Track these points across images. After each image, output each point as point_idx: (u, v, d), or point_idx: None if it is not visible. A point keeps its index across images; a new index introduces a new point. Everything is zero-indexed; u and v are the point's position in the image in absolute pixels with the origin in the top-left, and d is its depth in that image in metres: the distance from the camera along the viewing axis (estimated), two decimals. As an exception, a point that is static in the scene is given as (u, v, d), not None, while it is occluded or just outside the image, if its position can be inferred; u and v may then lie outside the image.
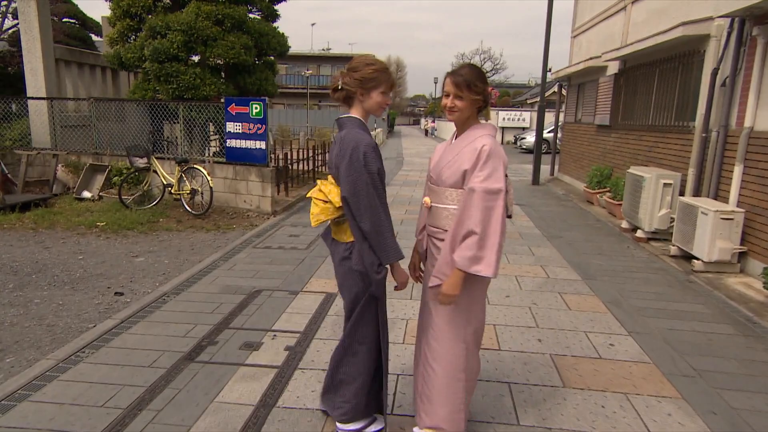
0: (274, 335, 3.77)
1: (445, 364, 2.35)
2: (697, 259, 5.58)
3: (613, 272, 5.50)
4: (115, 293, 4.60)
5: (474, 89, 2.23)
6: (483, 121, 2.38)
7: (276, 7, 10.46)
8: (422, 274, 2.61)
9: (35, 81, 9.40)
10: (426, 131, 45.41)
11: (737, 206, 5.57)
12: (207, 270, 5.25)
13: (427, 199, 2.38)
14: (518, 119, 31.92)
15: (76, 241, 6.31)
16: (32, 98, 9.32)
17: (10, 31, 13.66)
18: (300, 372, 3.23)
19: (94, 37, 14.41)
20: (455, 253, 2.16)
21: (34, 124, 9.51)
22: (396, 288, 2.39)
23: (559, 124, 14.30)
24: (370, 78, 2.27)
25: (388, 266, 2.30)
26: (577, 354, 3.56)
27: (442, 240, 2.30)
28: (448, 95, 2.30)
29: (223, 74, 9.97)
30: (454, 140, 2.40)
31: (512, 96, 49.24)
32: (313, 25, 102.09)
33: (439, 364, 2.36)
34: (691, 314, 4.35)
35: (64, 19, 13.95)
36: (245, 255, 5.84)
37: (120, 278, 5.04)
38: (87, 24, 14.27)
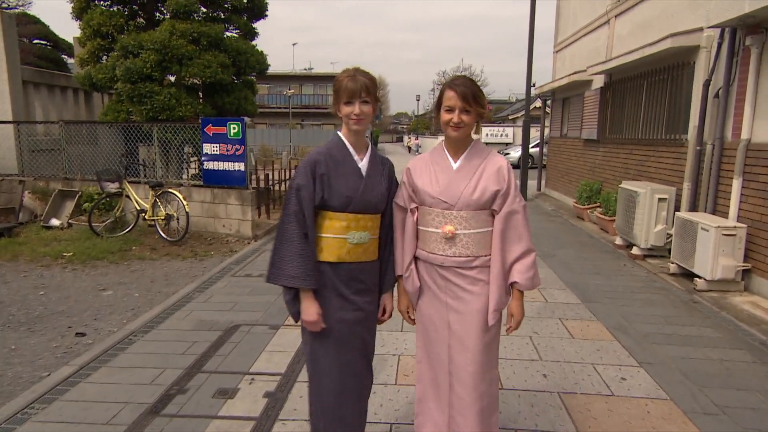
0: (252, 379, 3.39)
1: (489, 400, 2.17)
2: (699, 277, 5.33)
3: (614, 293, 5.22)
4: (77, 334, 4.18)
5: (480, 102, 2.04)
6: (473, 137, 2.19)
7: (254, 25, 10.20)
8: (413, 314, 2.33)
9: (1, 104, 8.95)
10: (409, 148, 45.28)
11: (738, 221, 5.36)
12: (181, 303, 4.85)
13: (451, 227, 2.08)
14: (501, 135, 32.00)
15: (39, 273, 5.85)
16: (-2, 122, 8.87)
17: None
18: (281, 424, 2.86)
19: (68, 59, 14.00)
20: (516, 276, 2.09)
21: (0, 149, 9.03)
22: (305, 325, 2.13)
23: (545, 139, 14.18)
24: (335, 90, 2.07)
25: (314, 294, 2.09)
26: (587, 391, 3.24)
27: (473, 268, 2.11)
28: (451, 110, 2.05)
29: (201, 94, 9.64)
30: (453, 160, 2.15)
31: (493, 112, 49.55)
32: (294, 44, 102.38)
33: (483, 400, 2.14)
34: (702, 339, 4.07)
35: (35, 41, 13.51)
36: (223, 285, 5.45)
37: (84, 316, 4.61)
38: (59, 45, 13.82)
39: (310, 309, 2.06)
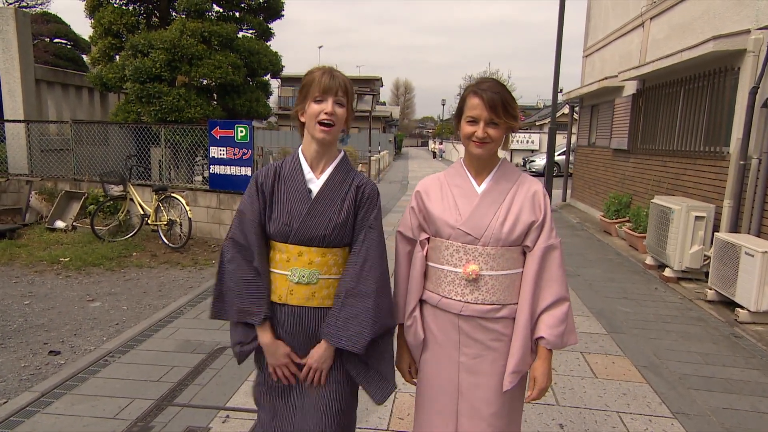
0: (227, 416, 3.00)
1: None
2: (742, 307, 4.76)
3: (644, 323, 4.70)
4: (50, 352, 3.86)
5: (511, 112, 1.62)
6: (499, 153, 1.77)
7: (270, 26, 9.92)
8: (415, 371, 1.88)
9: (13, 103, 8.83)
10: (434, 153, 44.61)
11: (788, 246, 4.77)
12: (169, 319, 4.51)
13: (475, 267, 1.65)
14: (527, 141, 31.25)
15: (30, 280, 5.61)
16: (8, 121, 8.75)
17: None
18: (247, 479, 2.46)
19: (87, 58, 14.00)
20: (543, 330, 1.65)
21: (11, 148, 8.91)
22: None
23: (571, 147, 13.58)
24: (302, 86, 1.64)
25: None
26: (611, 449, 2.76)
27: (499, 320, 1.69)
28: (475, 121, 1.63)
29: (215, 95, 9.40)
30: (476, 182, 1.72)
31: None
32: (320, 47, 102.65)
33: None
34: (749, 386, 3.53)
35: (55, 40, 13.53)
36: (218, 299, 5.09)
37: (63, 330, 4.30)
38: (79, 44, 13.82)
39: (273, 350, 1.68)
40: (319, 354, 1.67)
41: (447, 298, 1.70)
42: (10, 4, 12.18)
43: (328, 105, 1.60)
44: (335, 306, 1.66)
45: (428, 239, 1.77)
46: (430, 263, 1.76)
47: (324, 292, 1.68)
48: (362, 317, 1.63)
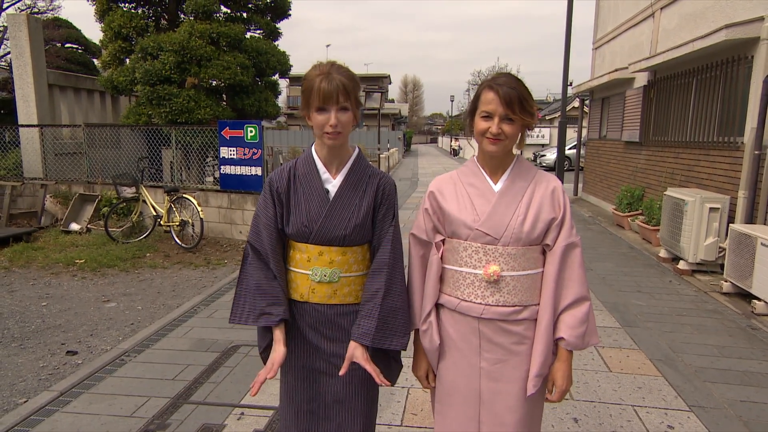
0: (242, 413, 3.03)
1: None
2: (758, 299, 4.70)
3: (659, 316, 4.65)
4: (68, 352, 3.92)
5: (527, 108, 1.58)
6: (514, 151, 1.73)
7: (278, 25, 9.95)
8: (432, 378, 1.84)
9: (26, 108, 8.97)
10: (454, 151, 42.86)
11: (805, 236, 4.69)
12: (183, 318, 4.56)
13: (496, 268, 1.60)
14: (537, 136, 31.01)
15: (47, 282, 5.69)
16: (23, 125, 8.88)
17: (8, 56, 13.48)
18: (263, 475, 2.48)
19: (98, 62, 14.17)
20: (563, 330, 1.61)
21: (26, 152, 9.05)
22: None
23: (582, 140, 13.47)
24: (303, 91, 1.63)
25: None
26: (627, 443, 2.74)
27: (521, 322, 1.64)
28: (489, 117, 1.59)
29: (224, 96, 9.46)
30: (492, 181, 1.68)
31: (531, 113, 48.12)
32: (328, 46, 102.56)
33: None
34: (767, 378, 3.48)
35: (66, 45, 13.70)
36: (230, 297, 5.12)
37: (80, 331, 4.36)
38: (90, 48, 14.00)
39: (274, 351, 1.65)
40: (359, 353, 1.64)
41: (467, 301, 1.65)
42: (23, 10, 12.35)
43: (331, 117, 1.57)
44: (370, 309, 1.64)
45: (443, 241, 1.72)
46: (446, 266, 1.70)
47: (345, 290, 1.69)
48: (403, 317, 1.67)
